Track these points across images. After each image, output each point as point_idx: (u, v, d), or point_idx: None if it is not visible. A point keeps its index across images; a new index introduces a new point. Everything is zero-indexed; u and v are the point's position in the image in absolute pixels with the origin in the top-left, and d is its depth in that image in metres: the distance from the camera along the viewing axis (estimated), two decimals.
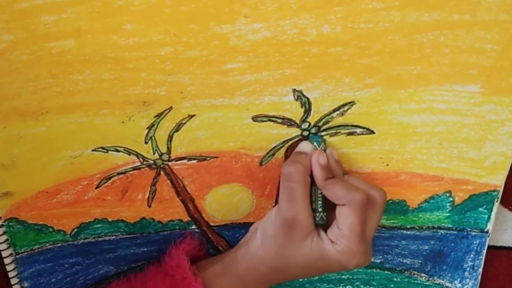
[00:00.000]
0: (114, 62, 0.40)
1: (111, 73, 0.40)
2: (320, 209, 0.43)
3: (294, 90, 0.43)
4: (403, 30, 0.40)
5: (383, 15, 0.39)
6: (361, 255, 0.41)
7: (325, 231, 0.43)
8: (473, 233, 0.50)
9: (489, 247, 0.51)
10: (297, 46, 0.40)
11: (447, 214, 0.49)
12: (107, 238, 0.49)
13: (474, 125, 0.44)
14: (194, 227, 0.50)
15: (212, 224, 0.50)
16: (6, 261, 0.47)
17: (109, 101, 0.42)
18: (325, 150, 0.44)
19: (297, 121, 0.44)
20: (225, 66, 0.41)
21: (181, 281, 0.45)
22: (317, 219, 0.43)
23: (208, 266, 0.47)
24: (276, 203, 0.49)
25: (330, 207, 0.43)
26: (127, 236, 0.50)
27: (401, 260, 0.52)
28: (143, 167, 0.46)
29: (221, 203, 0.49)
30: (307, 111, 0.44)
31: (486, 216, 0.49)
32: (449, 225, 0.50)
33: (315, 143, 0.44)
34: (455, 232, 0.51)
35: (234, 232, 0.51)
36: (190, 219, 0.49)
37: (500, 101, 0.43)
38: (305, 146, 0.45)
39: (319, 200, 0.43)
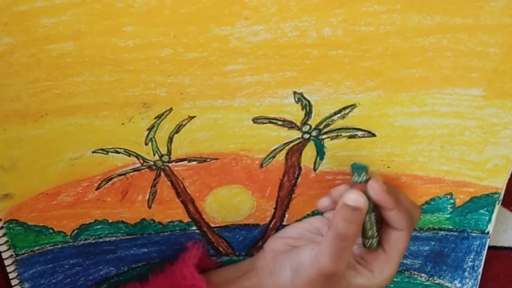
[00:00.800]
0: (114, 64, 0.39)
1: (111, 74, 0.40)
2: (376, 234, 0.42)
3: (294, 93, 0.42)
4: (405, 33, 0.40)
5: (385, 18, 0.39)
6: (392, 278, 0.42)
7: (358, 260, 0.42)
8: (474, 234, 0.50)
9: (489, 247, 0.51)
10: (298, 48, 0.40)
11: (448, 216, 0.49)
12: (107, 239, 0.49)
13: (476, 128, 0.44)
14: (194, 228, 0.50)
15: (212, 225, 0.50)
16: (6, 262, 0.47)
17: (109, 103, 0.41)
18: (366, 180, 0.41)
19: (298, 124, 0.44)
20: (225, 67, 0.41)
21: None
22: (374, 244, 0.42)
23: (221, 284, 0.46)
24: (277, 203, 0.49)
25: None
26: (128, 237, 0.50)
27: (401, 261, 0.52)
28: (143, 169, 0.46)
29: (222, 204, 0.49)
30: (308, 114, 0.44)
31: (487, 218, 0.49)
32: (450, 227, 0.50)
33: (357, 176, 0.41)
34: (455, 233, 0.51)
35: (235, 233, 0.51)
36: (190, 220, 0.49)
37: (502, 104, 0.43)
38: (358, 199, 0.40)
39: (375, 227, 0.42)
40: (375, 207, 0.42)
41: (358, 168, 0.41)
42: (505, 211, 0.51)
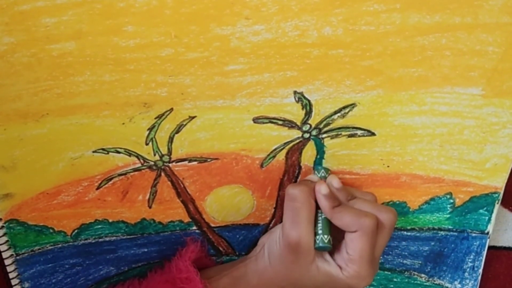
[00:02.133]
0: (115, 64, 0.39)
1: (111, 74, 0.40)
2: (320, 232, 0.43)
3: (295, 92, 0.42)
4: (405, 32, 0.40)
5: (385, 17, 0.39)
6: (369, 277, 0.41)
7: (331, 254, 0.43)
8: (474, 234, 0.50)
9: (489, 247, 0.51)
10: (298, 48, 0.40)
11: (448, 216, 0.50)
12: (107, 239, 0.49)
13: (475, 127, 0.44)
14: (194, 228, 0.50)
15: (212, 225, 0.50)
16: (6, 262, 0.47)
17: (109, 103, 0.41)
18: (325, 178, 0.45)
19: (298, 123, 0.44)
20: (226, 67, 0.41)
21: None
22: (317, 241, 0.42)
23: (217, 278, 0.47)
24: (277, 203, 0.49)
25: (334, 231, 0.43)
26: (128, 237, 0.50)
27: (401, 261, 0.53)
28: (143, 168, 0.46)
29: (222, 204, 0.49)
30: (308, 113, 0.44)
31: (487, 217, 0.49)
32: (450, 227, 0.50)
33: (316, 174, 0.45)
34: (455, 233, 0.51)
35: (235, 233, 0.51)
36: (190, 220, 0.49)
37: (501, 103, 0.43)
38: (311, 176, 0.45)
39: (319, 223, 0.43)
40: None
41: (319, 168, 0.46)
42: (505, 211, 0.51)
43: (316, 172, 0.46)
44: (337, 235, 0.43)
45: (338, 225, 0.42)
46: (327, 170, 0.46)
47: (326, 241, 0.42)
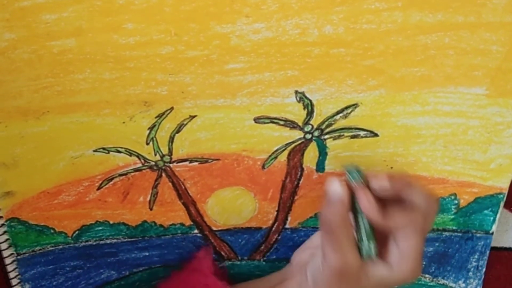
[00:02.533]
0: (115, 61, 0.40)
1: (112, 72, 0.40)
2: (363, 238, 0.40)
3: (296, 92, 0.42)
4: (407, 31, 0.39)
5: (386, 16, 0.39)
6: (419, 270, 0.40)
7: (380, 254, 0.41)
8: (478, 235, 0.50)
9: (490, 248, 0.50)
10: (299, 46, 0.40)
11: (452, 217, 0.49)
12: (108, 241, 0.49)
13: (479, 127, 0.43)
14: (196, 231, 0.49)
15: (214, 228, 0.50)
16: (7, 261, 0.47)
17: (110, 101, 0.41)
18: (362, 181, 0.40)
19: (300, 124, 0.44)
20: (226, 66, 0.41)
21: None
22: (363, 250, 0.40)
23: None
24: (280, 206, 0.49)
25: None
26: (129, 239, 0.49)
27: None
28: (144, 169, 0.45)
29: (223, 206, 0.48)
30: (310, 113, 0.43)
31: (492, 218, 0.48)
32: (454, 227, 0.49)
33: (348, 176, 0.40)
34: (459, 234, 0.50)
35: (237, 237, 0.50)
36: (192, 223, 0.49)
37: (505, 103, 0.42)
38: (336, 189, 0.40)
39: (361, 229, 0.40)
40: None
41: (352, 172, 0.40)
42: (506, 212, 0.50)
43: (349, 175, 0.40)
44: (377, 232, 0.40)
45: (390, 227, 0.39)
46: (360, 172, 0.40)
47: (372, 250, 0.40)
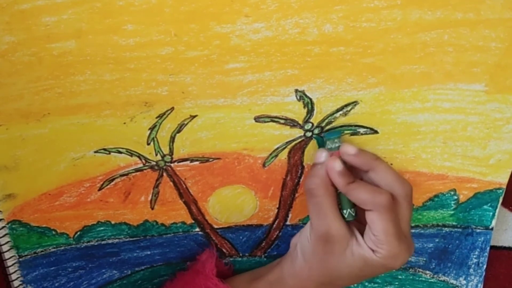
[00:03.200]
0: (115, 63, 0.40)
1: (112, 73, 0.40)
2: (346, 206, 0.43)
3: (296, 91, 0.42)
4: (406, 29, 0.40)
5: (385, 14, 0.39)
6: (404, 253, 0.41)
7: (363, 235, 0.42)
8: (478, 230, 0.50)
9: (489, 247, 0.51)
10: (299, 45, 0.40)
11: (452, 212, 0.49)
12: (110, 241, 0.49)
13: (478, 123, 0.44)
14: (197, 229, 0.50)
15: (215, 226, 0.50)
16: (9, 263, 0.47)
17: (110, 102, 0.41)
18: (338, 147, 0.43)
19: (300, 122, 0.44)
20: (226, 66, 0.41)
21: None
22: (345, 216, 0.42)
23: (250, 284, 0.47)
24: (280, 203, 0.49)
25: None
26: (131, 239, 0.49)
27: None
28: (145, 169, 0.45)
29: (224, 205, 0.48)
30: (310, 112, 0.43)
31: (491, 213, 0.49)
32: (454, 223, 0.50)
33: (328, 143, 0.43)
34: (459, 230, 0.50)
35: (238, 235, 0.50)
36: (193, 221, 0.49)
37: (504, 99, 0.43)
38: (319, 155, 0.43)
39: (342, 198, 0.43)
40: None
41: (331, 135, 0.43)
42: (505, 211, 0.51)
43: (328, 144, 0.43)
44: (364, 212, 0.42)
45: (354, 202, 0.41)
46: (339, 138, 0.43)
47: (352, 213, 0.43)
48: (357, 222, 0.44)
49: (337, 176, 0.41)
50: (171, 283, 0.49)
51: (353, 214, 0.43)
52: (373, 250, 0.41)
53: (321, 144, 0.45)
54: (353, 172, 0.43)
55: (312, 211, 0.42)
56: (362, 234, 0.42)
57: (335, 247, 0.41)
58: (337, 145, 0.43)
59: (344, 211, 0.43)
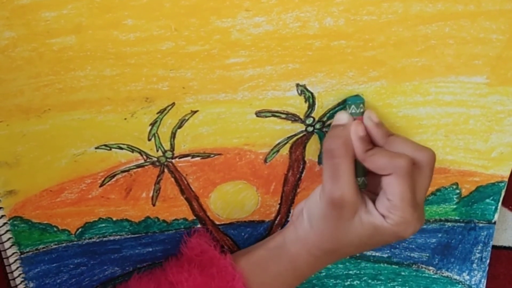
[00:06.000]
0: (115, 58, 0.39)
1: (112, 69, 0.40)
2: (360, 174, 0.42)
3: (297, 85, 0.42)
4: (407, 22, 0.40)
5: (386, 7, 0.39)
6: (416, 222, 0.40)
7: (373, 202, 0.41)
8: (481, 225, 0.50)
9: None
10: (300, 39, 0.40)
11: (454, 206, 0.49)
12: (111, 238, 0.49)
13: (480, 116, 0.44)
14: (199, 226, 0.50)
15: (217, 222, 0.50)
16: (10, 260, 0.47)
17: (111, 98, 0.41)
18: (363, 113, 0.42)
19: (301, 116, 0.44)
20: (227, 60, 0.41)
21: (209, 261, 0.45)
22: (359, 183, 0.42)
23: (251, 252, 0.46)
24: (282, 199, 0.49)
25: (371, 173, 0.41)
26: (132, 235, 0.49)
27: (408, 254, 0.52)
28: (146, 165, 0.45)
29: (226, 201, 0.48)
30: (311, 106, 0.43)
31: (493, 207, 0.49)
32: (456, 217, 0.50)
33: (353, 107, 0.42)
34: (462, 224, 0.50)
35: (240, 231, 0.50)
36: (195, 217, 0.49)
37: (506, 91, 0.43)
38: (341, 117, 0.42)
39: (357, 166, 0.41)
40: None
41: (355, 101, 0.42)
42: (505, 210, 0.51)
43: (353, 107, 0.42)
44: (377, 182, 0.41)
45: (371, 169, 0.40)
46: (363, 103, 0.42)
47: (365, 182, 0.42)
48: (368, 191, 0.43)
49: (358, 141, 0.40)
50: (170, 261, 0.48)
51: (365, 183, 0.42)
52: (384, 216, 0.40)
53: (323, 139, 0.45)
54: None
55: (328, 174, 0.40)
56: (372, 203, 0.41)
57: (345, 213, 0.40)
58: (361, 110, 0.42)
59: (358, 179, 0.42)
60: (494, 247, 0.52)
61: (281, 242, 0.45)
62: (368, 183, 0.43)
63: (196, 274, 0.44)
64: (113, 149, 0.44)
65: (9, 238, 0.46)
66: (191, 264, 0.46)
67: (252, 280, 0.44)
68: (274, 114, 0.44)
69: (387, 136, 0.42)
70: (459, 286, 0.53)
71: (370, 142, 0.41)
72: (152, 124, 0.43)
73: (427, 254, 0.52)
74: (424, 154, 0.40)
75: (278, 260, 0.45)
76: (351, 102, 0.42)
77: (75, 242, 0.49)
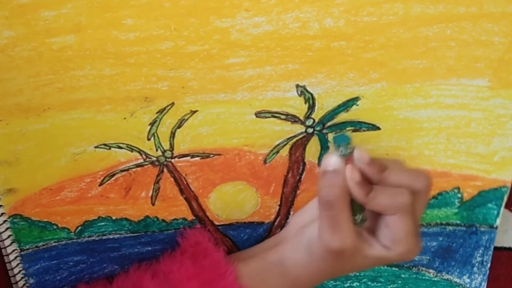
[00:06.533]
0: (115, 57, 0.40)
1: (112, 68, 0.40)
2: (357, 212, 0.40)
3: (297, 86, 0.42)
4: (408, 23, 0.39)
5: (387, 8, 0.39)
6: (418, 247, 0.40)
7: (373, 232, 0.41)
8: (482, 229, 0.49)
9: None
10: (300, 40, 0.40)
11: (456, 211, 0.48)
12: (111, 236, 0.49)
13: (482, 119, 0.43)
14: (198, 226, 0.49)
15: (216, 223, 0.50)
16: (10, 257, 0.47)
17: (110, 97, 0.41)
18: (352, 152, 0.39)
19: (301, 118, 0.44)
20: (226, 60, 0.40)
21: (203, 253, 0.45)
22: (357, 221, 0.40)
23: (250, 259, 0.46)
24: (282, 200, 0.48)
25: None
26: (131, 234, 0.49)
27: None
28: (146, 164, 0.45)
29: (226, 201, 0.48)
30: (311, 107, 0.43)
31: (495, 211, 0.48)
32: (458, 221, 0.49)
33: (341, 149, 0.39)
34: (463, 228, 0.49)
35: (239, 232, 0.50)
36: (194, 218, 0.49)
37: (508, 95, 0.42)
38: (331, 162, 0.39)
39: (354, 204, 0.40)
40: None
41: (342, 141, 0.39)
42: (505, 212, 0.50)
43: (341, 149, 0.39)
44: (374, 213, 0.40)
45: (376, 210, 0.39)
46: (348, 142, 0.39)
47: (363, 218, 0.41)
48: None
49: (356, 188, 0.38)
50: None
51: (364, 219, 0.41)
52: (387, 248, 0.39)
53: (323, 141, 0.45)
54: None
55: (326, 224, 0.39)
56: (371, 232, 0.41)
57: (346, 258, 0.40)
58: (350, 150, 0.39)
59: (356, 217, 0.40)
60: (495, 248, 0.51)
61: (279, 259, 0.44)
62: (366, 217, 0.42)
63: (188, 264, 0.44)
64: (112, 149, 0.44)
65: (9, 236, 0.47)
66: (184, 255, 0.46)
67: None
68: (273, 115, 0.43)
69: (382, 171, 0.40)
70: None
71: (367, 182, 0.39)
72: (152, 124, 0.43)
73: (428, 257, 0.51)
74: (421, 180, 0.39)
75: (277, 276, 0.44)
76: (339, 144, 0.39)
77: (74, 240, 0.49)
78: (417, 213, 0.40)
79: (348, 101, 0.43)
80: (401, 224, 0.38)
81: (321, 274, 0.43)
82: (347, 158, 0.39)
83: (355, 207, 0.40)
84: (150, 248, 0.50)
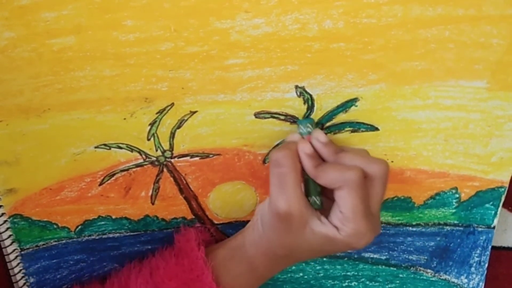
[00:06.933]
0: (115, 58, 0.40)
1: (112, 69, 0.40)
2: (313, 193, 0.41)
3: (296, 87, 0.42)
4: (407, 25, 0.39)
5: (386, 10, 0.39)
6: (370, 233, 0.39)
7: (326, 215, 0.41)
8: (480, 229, 0.50)
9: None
10: (299, 41, 0.40)
11: (453, 211, 0.49)
12: (111, 235, 0.49)
13: (480, 121, 0.43)
14: (198, 225, 0.50)
15: (216, 222, 0.50)
16: (11, 256, 0.47)
17: (110, 98, 0.42)
18: (310, 132, 0.42)
19: (300, 118, 0.44)
20: (226, 61, 0.41)
21: (183, 251, 0.45)
22: (315, 202, 0.41)
23: (215, 249, 0.46)
24: None
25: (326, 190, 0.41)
26: (131, 233, 0.50)
27: (406, 257, 0.52)
28: (146, 164, 0.46)
29: (225, 200, 0.48)
30: (310, 108, 0.43)
31: (493, 212, 0.48)
32: (455, 222, 0.50)
33: (300, 127, 0.42)
34: (461, 228, 0.50)
35: (238, 230, 0.50)
36: (193, 217, 0.49)
37: (506, 96, 0.42)
38: (292, 136, 0.43)
39: (310, 185, 0.41)
40: None
41: (303, 121, 0.42)
42: (504, 211, 0.50)
43: (300, 127, 0.42)
44: (329, 194, 0.41)
45: (323, 184, 0.40)
46: (311, 124, 0.42)
47: (318, 202, 0.41)
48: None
49: (306, 158, 0.40)
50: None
51: (319, 203, 0.41)
52: (337, 228, 0.39)
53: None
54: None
55: (274, 184, 0.40)
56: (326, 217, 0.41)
57: (294, 225, 0.40)
58: (309, 129, 0.42)
59: (309, 198, 0.41)
60: (493, 247, 0.51)
61: (241, 243, 0.45)
62: (323, 203, 0.42)
63: (171, 262, 0.45)
64: (112, 149, 0.44)
65: (10, 235, 0.47)
66: (171, 252, 0.46)
67: (218, 281, 0.44)
68: (273, 115, 0.44)
69: (337, 153, 0.41)
70: None
71: (319, 159, 0.41)
72: (152, 124, 0.43)
73: (426, 257, 0.52)
74: (375, 166, 0.39)
75: (238, 260, 0.45)
76: (299, 123, 0.43)
77: (74, 239, 0.49)
78: (370, 197, 0.40)
79: (347, 102, 0.43)
80: (349, 199, 0.38)
81: (272, 248, 0.43)
82: (307, 137, 0.42)
83: (311, 188, 0.41)
84: (150, 247, 0.51)
